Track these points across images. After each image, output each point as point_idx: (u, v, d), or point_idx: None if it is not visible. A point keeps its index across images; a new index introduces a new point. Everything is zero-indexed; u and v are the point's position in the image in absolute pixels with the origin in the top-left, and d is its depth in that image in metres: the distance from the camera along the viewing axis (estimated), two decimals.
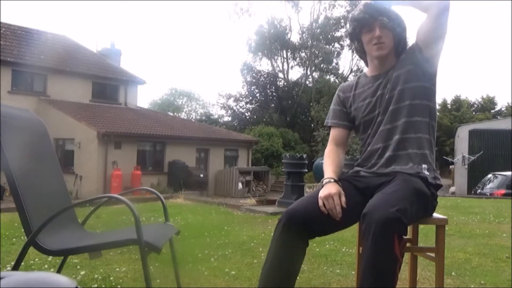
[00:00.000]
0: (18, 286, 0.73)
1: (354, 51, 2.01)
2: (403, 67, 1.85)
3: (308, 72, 32.39)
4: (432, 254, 1.86)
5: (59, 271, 2.24)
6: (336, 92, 2.06)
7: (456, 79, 69.91)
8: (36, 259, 3.23)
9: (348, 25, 1.98)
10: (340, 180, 1.83)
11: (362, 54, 1.97)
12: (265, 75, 32.91)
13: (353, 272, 2.97)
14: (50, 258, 3.17)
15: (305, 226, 1.65)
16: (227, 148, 18.97)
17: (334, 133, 2.02)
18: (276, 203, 8.04)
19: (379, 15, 1.82)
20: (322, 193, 1.70)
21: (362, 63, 34.92)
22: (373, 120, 1.89)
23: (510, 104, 37.16)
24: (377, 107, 1.88)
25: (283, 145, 25.48)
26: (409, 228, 2.12)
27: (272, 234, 1.70)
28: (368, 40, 1.86)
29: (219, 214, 7.04)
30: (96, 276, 2.87)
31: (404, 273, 2.59)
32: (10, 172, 1.84)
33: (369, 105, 1.90)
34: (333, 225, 1.72)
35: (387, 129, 1.84)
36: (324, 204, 1.67)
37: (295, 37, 34.23)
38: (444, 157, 28.11)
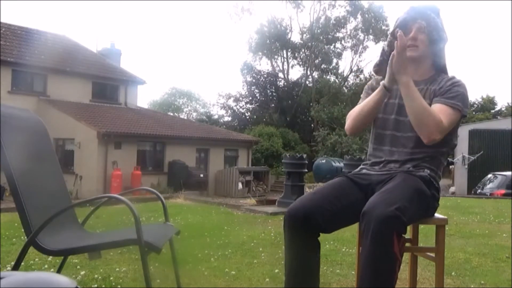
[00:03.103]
0: (18, 286, 0.73)
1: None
2: (430, 92, 1.83)
3: (308, 72, 32.37)
4: (432, 254, 1.86)
5: (59, 271, 2.24)
6: None
7: None
8: (36, 259, 3.23)
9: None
10: (341, 177, 1.87)
11: None
12: (265, 75, 32.87)
13: (353, 272, 2.97)
14: (50, 258, 3.17)
15: (306, 220, 1.66)
16: (227, 148, 18.97)
17: None
18: (276, 203, 8.04)
19: (418, 18, 1.84)
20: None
21: (362, 63, 34.60)
22: (387, 121, 1.88)
23: (510, 104, 37.09)
24: (394, 111, 1.87)
25: (283, 145, 25.48)
26: (409, 228, 2.12)
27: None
28: None
29: (219, 214, 7.04)
30: (96, 276, 2.87)
31: (404, 273, 2.59)
32: (10, 172, 1.84)
33: (388, 106, 1.89)
34: (334, 221, 1.74)
35: (397, 136, 1.85)
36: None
37: (295, 37, 34.11)
38: None
